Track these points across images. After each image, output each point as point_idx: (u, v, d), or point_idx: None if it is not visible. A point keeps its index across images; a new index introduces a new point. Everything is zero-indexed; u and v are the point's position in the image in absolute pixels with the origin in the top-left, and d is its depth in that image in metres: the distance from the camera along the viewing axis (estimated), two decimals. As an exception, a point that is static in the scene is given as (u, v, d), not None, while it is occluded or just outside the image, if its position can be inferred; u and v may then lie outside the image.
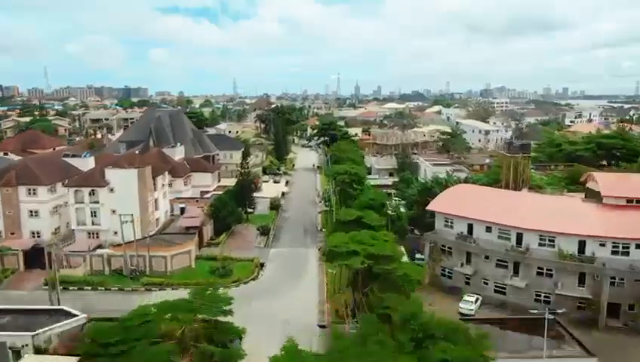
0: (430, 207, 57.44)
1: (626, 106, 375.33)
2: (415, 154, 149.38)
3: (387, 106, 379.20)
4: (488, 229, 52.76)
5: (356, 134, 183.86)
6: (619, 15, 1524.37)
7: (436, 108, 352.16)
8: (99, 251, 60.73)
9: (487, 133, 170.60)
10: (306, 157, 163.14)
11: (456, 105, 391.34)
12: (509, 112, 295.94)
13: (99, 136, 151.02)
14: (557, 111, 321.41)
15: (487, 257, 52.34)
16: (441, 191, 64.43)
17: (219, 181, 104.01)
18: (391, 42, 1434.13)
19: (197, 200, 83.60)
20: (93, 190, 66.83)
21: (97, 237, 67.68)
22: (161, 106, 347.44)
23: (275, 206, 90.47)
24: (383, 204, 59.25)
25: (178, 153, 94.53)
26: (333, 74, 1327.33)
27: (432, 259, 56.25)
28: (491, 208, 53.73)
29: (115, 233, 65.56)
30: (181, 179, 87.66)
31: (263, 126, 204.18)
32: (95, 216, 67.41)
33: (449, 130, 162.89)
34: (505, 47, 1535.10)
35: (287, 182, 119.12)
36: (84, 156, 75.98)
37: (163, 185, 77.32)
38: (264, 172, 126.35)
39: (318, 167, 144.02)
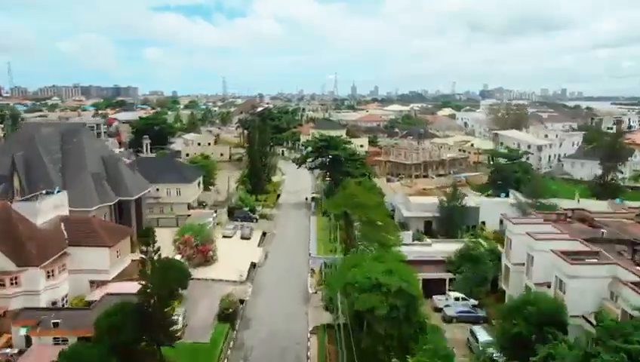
0: None
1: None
2: (441, 173, 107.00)
3: (390, 108, 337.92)
4: None
5: (362, 146, 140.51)
6: (619, 15, 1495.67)
7: (447, 110, 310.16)
8: None
9: (539, 148, 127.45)
10: (296, 181, 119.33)
11: (467, 107, 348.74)
12: (535, 117, 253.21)
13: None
14: (586, 117, 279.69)
15: None
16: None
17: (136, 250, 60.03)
18: (391, 42, 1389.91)
19: (57, 323, 39.92)
20: None
21: None
22: (134, 107, 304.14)
23: (227, 315, 46.73)
24: None
25: (51, 208, 50.25)
26: (331, 73, 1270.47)
27: None
28: None
29: None
30: (37, 268, 44.01)
31: (246, 133, 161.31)
32: None
33: (497, 149, 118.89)
34: (505, 46, 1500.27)
35: (263, 235, 75.47)
36: None
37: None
38: (229, 215, 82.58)
39: (312, 198, 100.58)
